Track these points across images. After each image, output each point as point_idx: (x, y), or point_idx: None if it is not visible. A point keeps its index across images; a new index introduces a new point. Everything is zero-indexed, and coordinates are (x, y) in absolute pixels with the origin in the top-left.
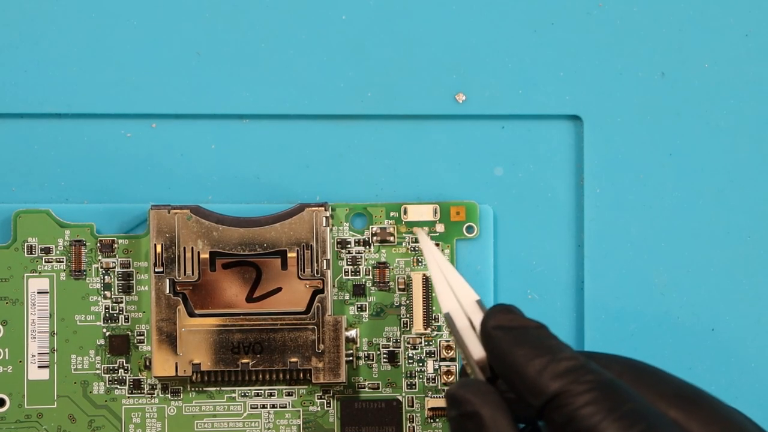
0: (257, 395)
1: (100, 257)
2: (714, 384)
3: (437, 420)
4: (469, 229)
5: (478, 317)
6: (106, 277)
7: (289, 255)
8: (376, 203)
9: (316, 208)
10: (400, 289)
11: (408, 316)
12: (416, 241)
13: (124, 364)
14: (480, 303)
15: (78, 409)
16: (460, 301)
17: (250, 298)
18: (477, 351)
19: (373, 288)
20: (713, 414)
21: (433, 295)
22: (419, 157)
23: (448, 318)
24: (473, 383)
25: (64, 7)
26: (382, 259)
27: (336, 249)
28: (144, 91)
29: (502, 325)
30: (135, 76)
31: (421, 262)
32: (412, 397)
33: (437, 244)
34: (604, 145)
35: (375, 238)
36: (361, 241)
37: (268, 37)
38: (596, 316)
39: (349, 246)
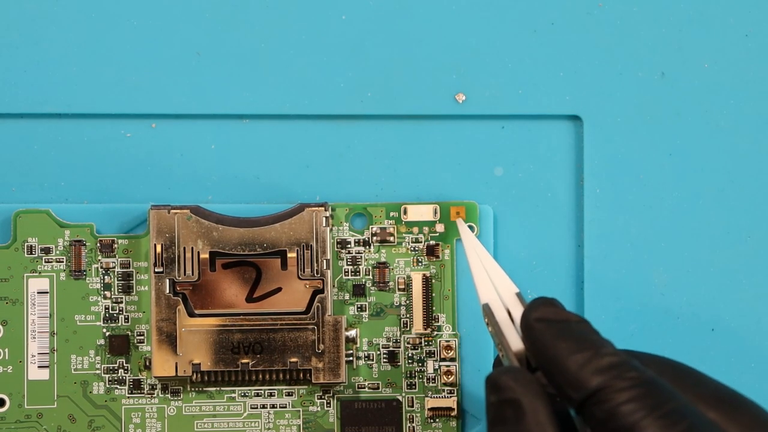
0: (257, 395)
1: (100, 257)
2: None
3: (437, 420)
4: (469, 229)
5: (517, 309)
6: (106, 277)
7: (289, 255)
8: (376, 203)
9: (316, 208)
10: (400, 289)
11: (408, 316)
12: (416, 241)
13: (124, 364)
14: (519, 295)
15: (78, 409)
16: (499, 292)
17: (250, 298)
18: (515, 343)
19: (373, 288)
20: (753, 418)
21: (433, 296)
22: (419, 157)
23: (487, 308)
24: (515, 370)
25: (64, 7)
26: (382, 259)
27: (336, 249)
28: (144, 91)
29: (545, 317)
30: (135, 76)
31: (421, 262)
32: (412, 397)
33: (437, 245)
34: (604, 145)
35: (375, 238)
36: (361, 241)
37: (268, 37)
38: (596, 316)
39: (349, 246)
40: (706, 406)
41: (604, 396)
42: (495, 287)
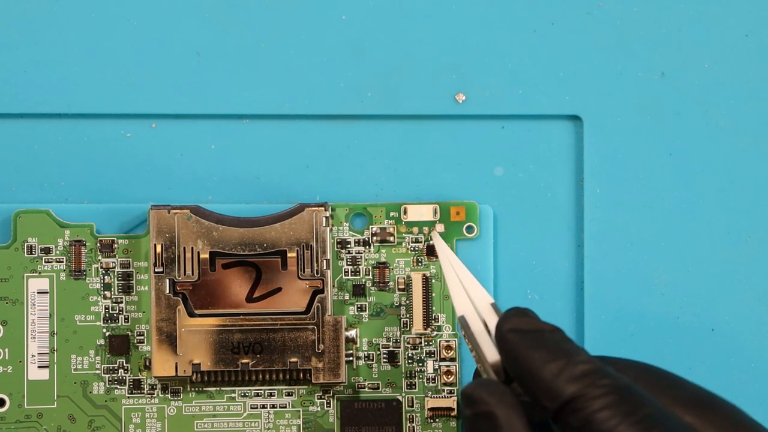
0: (257, 395)
1: (100, 257)
2: (714, 384)
3: (437, 420)
4: (469, 229)
5: (492, 320)
6: (106, 277)
7: (289, 255)
8: (376, 203)
9: (316, 208)
10: (400, 289)
11: (408, 316)
12: (416, 241)
13: (124, 364)
14: (495, 306)
15: (78, 409)
16: (475, 303)
17: (250, 298)
18: (491, 354)
19: (373, 288)
20: (729, 420)
21: (433, 296)
22: (419, 157)
23: (463, 321)
24: (489, 383)
25: (64, 7)
26: (382, 259)
27: (336, 249)
28: (144, 91)
29: (518, 328)
30: (135, 76)
31: (421, 262)
32: (412, 397)
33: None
34: (604, 145)
35: (375, 238)
36: (361, 241)
37: (268, 37)
38: (596, 316)
39: (349, 246)
40: (682, 410)
41: (578, 404)
42: (470, 299)
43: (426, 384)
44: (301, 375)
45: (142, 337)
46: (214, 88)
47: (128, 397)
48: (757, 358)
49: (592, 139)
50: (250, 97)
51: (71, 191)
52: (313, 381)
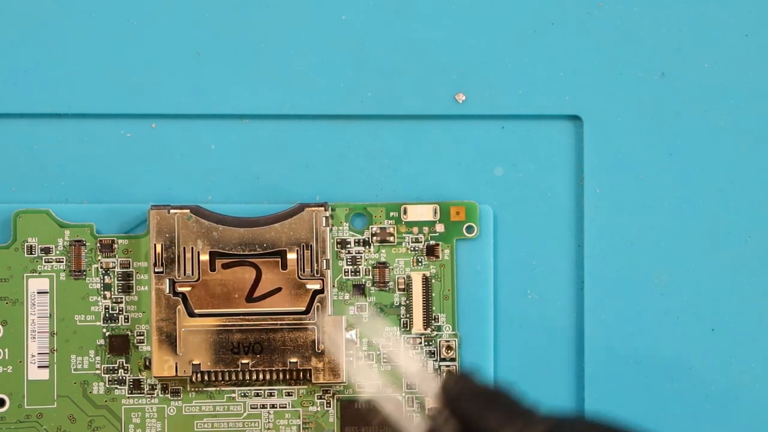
0: (257, 395)
1: (100, 257)
2: (714, 384)
3: None
4: (469, 229)
5: (432, 386)
6: (106, 277)
7: (288, 255)
8: (376, 203)
9: (316, 208)
10: (400, 289)
11: (408, 316)
12: (416, 241)
13: (124, 364)
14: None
15: (78, 409)
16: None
17: (249, 298)
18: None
19: (373, 288)
20: None
21: (433, 296)
22: (419, 157)
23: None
24: None
25: (64, 7)
26: (382, 259)
27: (336, 249)
28: (144, 91)
29: (467, 391)
30: (135, 76)
31: (421, 262)
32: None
33: (437, 245)
34: (604, 145)
35: (375, 238)
36: (361, 241)
37: (268, 37)
38: (596, 317)
39: (349, 246)
40: None
41: None
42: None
43: None
44: (301, 375)
45: (142, 337)
46: (214, 88)
47: (128, 397)
48: (757, 358)
49: (592, 139)
50: (250, 97)
51: (71, 191)
52: (313, 381)
